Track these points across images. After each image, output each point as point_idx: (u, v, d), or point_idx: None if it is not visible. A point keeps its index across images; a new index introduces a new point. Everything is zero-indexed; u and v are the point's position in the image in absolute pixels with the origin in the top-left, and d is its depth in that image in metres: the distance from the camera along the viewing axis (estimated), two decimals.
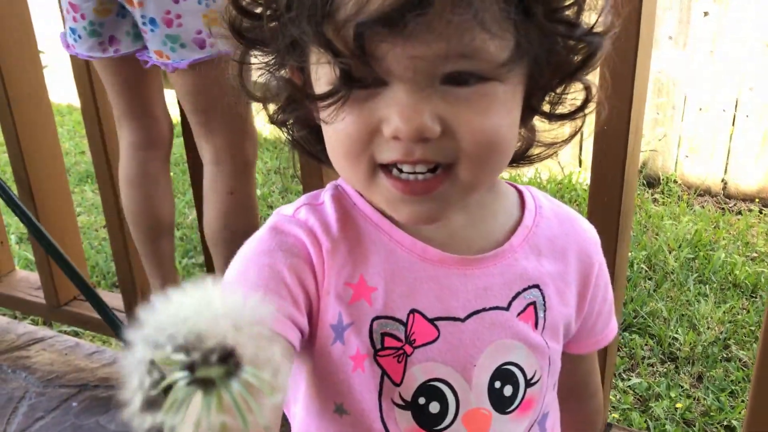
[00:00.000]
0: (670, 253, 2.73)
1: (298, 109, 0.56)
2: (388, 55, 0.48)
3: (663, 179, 3.35)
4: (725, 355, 2.18)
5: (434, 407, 0.58)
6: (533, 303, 0.62)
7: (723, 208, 3.23)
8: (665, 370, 2.14)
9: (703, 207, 3.21)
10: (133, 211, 1.72)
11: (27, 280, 2.13)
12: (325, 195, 0.62)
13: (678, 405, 1.96)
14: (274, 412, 0.36)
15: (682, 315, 2.36)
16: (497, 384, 0.60)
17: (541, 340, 0.62)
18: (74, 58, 1.66)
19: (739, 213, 3.16)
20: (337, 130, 0.52)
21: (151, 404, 0.30)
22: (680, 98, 3.23)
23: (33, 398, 1.87)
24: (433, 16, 0.45)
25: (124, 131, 1.67)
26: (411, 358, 0.58)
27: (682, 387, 2.06)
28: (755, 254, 2.78)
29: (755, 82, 3.04)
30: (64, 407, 1.83)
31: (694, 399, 2.02)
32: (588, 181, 3.00)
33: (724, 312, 2.36)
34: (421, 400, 0.58)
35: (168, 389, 0.28)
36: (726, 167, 3.26)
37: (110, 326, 1.78)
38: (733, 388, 2.05)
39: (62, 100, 4.46)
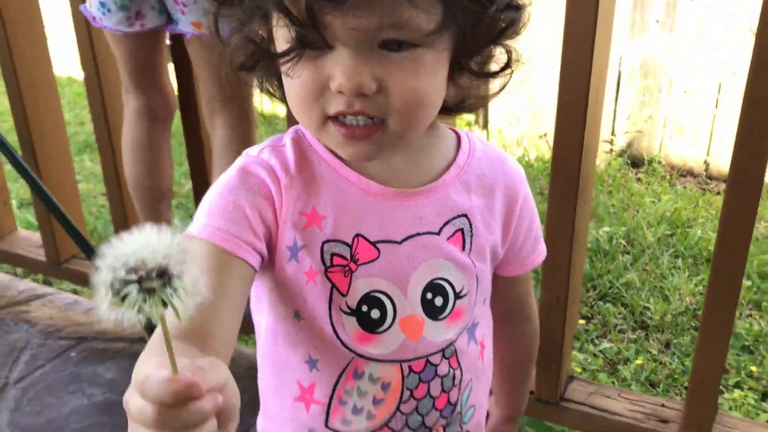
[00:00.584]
0: (648, 229, 2.83)
1: (261, 62, 0.66)
2: (332, 24, 0.57)
3: (647, 159, 3.45)
4: (693, 324, 2.29)
5: (375, 314, 0.69)
6: (461, 230, 0.71)
7: (704, 189, 3.33)
8: (636, 336, 2.25)
9: (685, 187, 3.30)
10: (138, 176, 1.81)
11: (28, 239, 2.24)
12: (287, 138, 0.72)
13: (638, 361, 2.07)
14: (198, 311, 0.45)
15: (656, 287, 2.47)
16: (429, 295, 0.70)
17: (468, 261, 0.71)
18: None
19: (719, 193, 3.26)
20: (294, 84, 0.62)
21: (113, 307, 0.42)
22: (666, 81, 3.31)
23: (34, 348, 1.98)
24: None
25: (133, 102, 1.76)
26: (355, 273, 0.68)
27: (650, 352, 2.17)
28: None
29: (738, 67, 3.12)
30: (63, 357, 1.94)
31: (660, 363, 2.13)
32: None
33: (695, 284, 2.47)
34: (364, 308, 0.68)
35: (124, 298, 0.40)
36: (708, 149, 3.36)
37: None
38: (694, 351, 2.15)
39: (62, 73, 4.55)
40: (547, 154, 3.61)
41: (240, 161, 0.71)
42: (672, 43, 3.25)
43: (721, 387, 2.02)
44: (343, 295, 0.68)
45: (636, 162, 3.50)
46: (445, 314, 0.71)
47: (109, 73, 1.80)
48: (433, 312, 0.70)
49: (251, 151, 0.71)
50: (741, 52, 3.09)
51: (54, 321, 2.10)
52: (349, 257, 0.68)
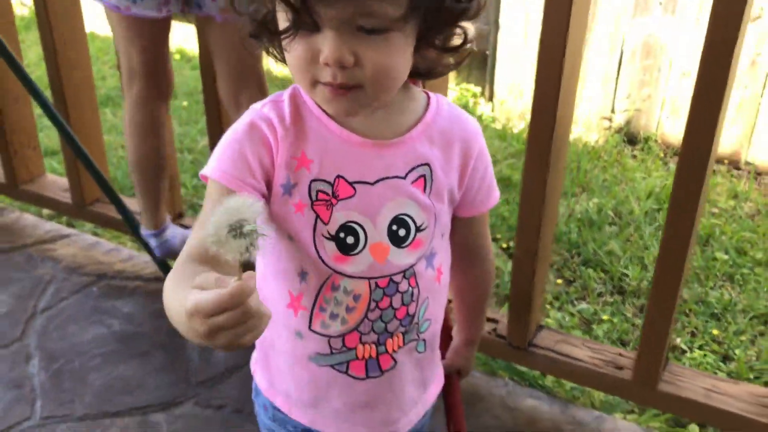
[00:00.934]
0: (636, 203, 2.98)
1: (266, 35, 0.82)
2: (320, 12, 0.73)
3: (643, 137, 3.58)
4: None
5: (350, 240, 0.85)
6: (423, 176, 0.87)
7: None
8: (613, 300, 2.41)
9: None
10: (145, 156, 1.88)
11: (55, 183, 2.42)
12: (285, 94, 0.87)
13: (611, 319, 2.24)
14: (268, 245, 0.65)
15: (636, 256, 2.63)
16: (394, 227, 0.86)
17: (428, 201, 0.87)
18: None
19: (713, 173, 3.39)
20: (291, 55, 0.78)
21: (222, 244, 0.61)
22: (666, 62, 3.43)
23: (59, 283, 2.17)
24: None
25: (140, 87, 1.81)
26: (335, 207, 0.84)
27: (624, 315, 2.34)
28: (715, 210, 3.03)
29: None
30: (85, 291, 2.14)
31: (633, 324, 2.30)
32: (573, 135, 3.24)
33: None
34: (341, 235, 0.85)
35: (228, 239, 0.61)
36: None
37: (128, 224, 2.07)
38: None
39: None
40: None
41: (248, 115, 0.87)
42: (673, 25, 3.36)
43: (684, 347, 2.20)
44: (325, 224, 0.85)
45: (633, 139, 3.63)
46: (407, 243, 0.87)
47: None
48: (397, 241, 0.87)
49: (256, 106, 0.87)
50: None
51: (77, 259, 2.29)
52: (330, 194, 0.84)
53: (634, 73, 3.54)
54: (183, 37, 5.04)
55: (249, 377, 1.82)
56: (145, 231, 2.03)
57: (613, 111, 3.66)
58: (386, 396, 0.96)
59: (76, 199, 2.26)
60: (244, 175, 0.83)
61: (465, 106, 3.89)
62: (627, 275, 2.50)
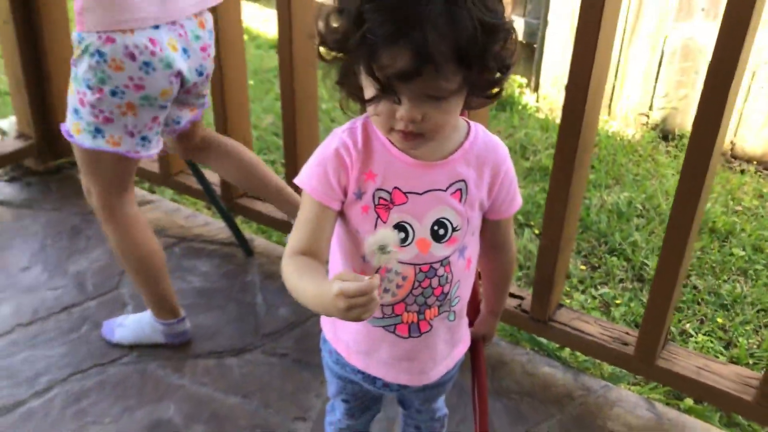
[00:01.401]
0: (664, 198, 3.21)
1: (352, 90, 1.08)
2: (400, 89, 0.99)
3: (678, 135, 3.78)
4: (684, 282, 2.69)
5: (402, 235, 1.12)
6: (460, 189, 1.14)
7: (728, 167, 3.66)
8: (632, 287, 2.67)
9: None
10: (151, 251, 1.96)
11: None
12: (359, 122, 1.14)
13: (629, 304, 2.50)
14: (316, 241, 1.07)
15: (658, 247, 2.86)
16: (436, 227, 1.13)
17: (462, 209, 1.14)
18: None
19: (741, 172, 3.59)
20: (377, 111, 1.04)
21: (376, 257, 0.96)
22: (704, 64, 3.62)
23: None
24: (423, 77, 0.95)
25: (126, 205, 1.87)
26: (392, 210, 1.12)
27: (641, 300, 2.59)
28: (739, 207, 3.24)
29: None
30: (170, 251, 2.47)
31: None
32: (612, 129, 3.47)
33: (695, 250, 2.86)
34: (397, 230, 1.13)
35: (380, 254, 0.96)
36: (736, 131, 3.67)
37: (207, 193, 2.40)
38: (681, 305, 2.57)
39: None
40: None
41: (332, 141, 1.13)
42: (713, 30, 3.53)
43: (692, 332, 2.45)
44: (384, 222, 1.13)
45: (668, 136, 3.83)
46: (445, 240, 1.15)
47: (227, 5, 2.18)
48: (437, 237, 1.14)
49: (338, 131, 1.15)
50: None
51: (161, 222, 2.63)
52: (389, 200, 1.12)
53: (673, 74, 3.74)
54: (249, 17, 5.34)
55: (307, 332, 2.16)
56: (161, 322, 2.04)
57: (650, 108, 3.86)
58: (423, 352, 1.25)
59: (164, 169, 2.59)
60: (328, 193, 1.12)
61: (511, 96, 4.13)
62: (647, 265, 2.75)
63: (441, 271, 1.17)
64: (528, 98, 4.18)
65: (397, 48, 0.93)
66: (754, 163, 3.63)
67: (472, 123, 1.19)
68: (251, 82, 4.20)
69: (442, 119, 1.04)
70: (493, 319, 1.44)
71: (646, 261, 2.76)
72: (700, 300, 2.62)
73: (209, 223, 2.64)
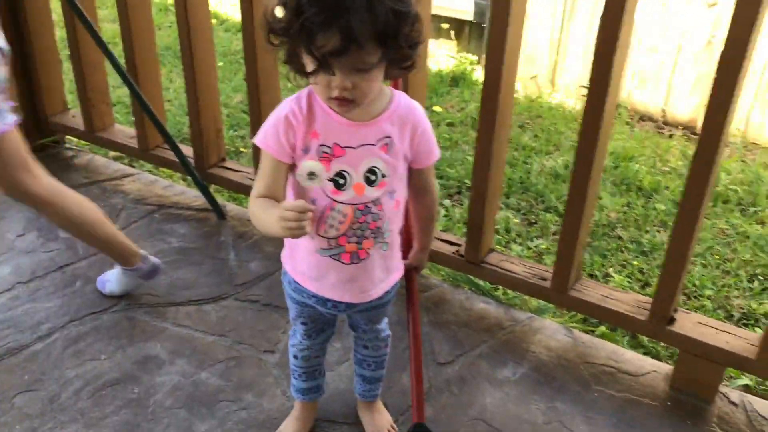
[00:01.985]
0: None
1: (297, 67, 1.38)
2: (333, 64, 1.27)
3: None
4: (608, 233, 3.04)
5: (341, 181, 1.41)
6: (387, 143, 1.43)
7: (659, 132, 4.01)
8: None
9: (641, 130, 3.99)
10: (82, 211, 2.13)
11: (123, 131, 3.03)
12: (304, 92, 1.43)
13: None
14: (274, 187, 1.40)
15: None
16: (368, 174, 1.43)
17: (389, 158, 1.44)
18: None
19: (670, 136, 3.95)
20: (317, 83, 1.32)
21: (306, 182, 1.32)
22: (635, 40, 3.96)
23: (129, 210, 2.80)
24: (350, 53, 1.24)
25: (37, 180, 1.98)
26: (332, 161, 1.41)
27: None
28: (666, 168, 3.60)
29: (695, 33, 3.76)
30: (149, 217, 2.77)
31: None
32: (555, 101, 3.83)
33: (621, 205, 3.21)
34: (336, 178, 1.42)
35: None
36: (666, 99, 4.02)
37: (183, 164, 2.69)
38: (606, 253, 2.92)
39: None
40: (534, 94, 4.30)
41: (283, 107, 1.41)
42: (642, 8, 3.87)
43: (613, 274, 2.80)
44: (327, 172, 1.44)
45: None
46: (376, 184, 1.44)
47: None
48: (369, 182, 1.44)
49: (287, 100, 1.44)
50: (695, 21, 3.72)
51: (141, 192, 2.91)
52: (330, 153, 1.43)
53: None
54: (217, 2, 5.58)
55: (274, 282, 2.48)
56: (130, 269, 2.29)
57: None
58: (363, 275, 1.55)
59: (142, 144, 2.87)
60: (280, 150, 1.42)
61: (463, 73, 4.44)
62: None
63: (374, 209, 1.48)
64: (478, 74, 4.50)
65: (330, 32, 1.22)
66: (681, 128, 3.99)
67: (395, 91, 1.50)
68: (221, 63, 4.46)
69: (368, 87, 1.34)
70: (423, 253, 1.76)
71: None
72: (623, 248, 2.97)
73: (185, 192, 2.93)
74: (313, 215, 1.40)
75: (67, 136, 3.20)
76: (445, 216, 3.11)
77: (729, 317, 2.61)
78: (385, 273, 1.60)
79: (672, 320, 2.03)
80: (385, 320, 1.80)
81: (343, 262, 1.52)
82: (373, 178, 1.45)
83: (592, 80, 1.87)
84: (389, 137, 1.45)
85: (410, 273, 1.78)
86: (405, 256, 1.74)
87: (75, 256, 2.53)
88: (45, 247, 2.57)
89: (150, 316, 2.28)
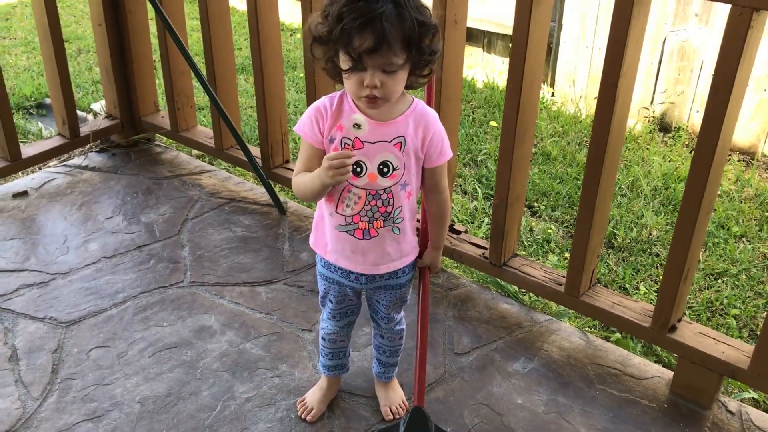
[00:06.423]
0: (648, 182, 3.66)
1: (334, 71, 1.65)
2: (367, 62, 1.52)
3: (675, 127, 4.20)
4: (644, 248, 3.17)
5: (358, 169, 1.66)
6: (400, 141, 1.66)
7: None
8: (601, 252, 3.16)
9: None
10: None
11: (204, 132, 3.40)
12: (338, 93, 1.69)
13: None
14: (312, 164, 1.68)
15: (630, 220, 3.34)
16: (381, 166, 1.66)
17: (401, 155, 1.66)
18: None
19: (728, 161, 3.99)
20: (349, 81, 1.59)
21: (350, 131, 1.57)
22: (698, 64, 4.03)
23: (203, 201, 3.16)
24: (381, 52, 1.50)
25: None
26: (352, 152, 1.68)
27: (608, 264, 3.08)
28: (719, 192, 3.66)
29: (759, 58, 3.81)
30: (221, 208, 3.11)
31: (611, 270, 3.04)
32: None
33: (664, 224, 3.32)
34: (354, 166, 1.67)
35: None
36: None
37: (251, 164, 3.02)
38: (640, 267, 3.05)
39: None
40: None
41: (318, 103, 1.70)
42: (707, 33, 3.95)
43: (644, 289, 2.92)
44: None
45: (667, 128, 4.26)
46: (388, 175, 1.68)
47: (265, 6, 2.75)
48: (382, 173, 1.67)
49: (324, 97, 1.72)
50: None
51: (215, 187, 3.27)
52: (351, 145, 1.67)
53: (671, 72, 4.16)
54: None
55: None
56: None
57: (652, 103, 4.29)
58: (373, 250, 1.77)
59: (217, 144, 3.22)
60: (313, 137, 1.69)
61: None
62: (617, 234, 3.23)
63: (384, 196, 1.72)
64: (544, 91, 4.66)
65: (365, 33, 1.48)
66: (739, 153, 4.02)
67: (416, 99, 1.74)
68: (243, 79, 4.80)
69: (393, 86, 1.57)
70: (436, 252, 1.96)
71: (615, 231, 3.24)
72: (658, 265, 3.08)
73: (253, 189, 3.27)
74: (336, 188, 1.70)
75: (157, 134, 3.61)
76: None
77: (754, 336, 2.69)
78: (397, 253, 1.81)
79: (673, 328, 2.17)
80: (402, 314, 2.03)
81: (357, 237, 1.75)
82: (385, 170, 1.69)
83: (597, 102, 2.06)
84: (403, 137, 1.69)
85: (423, 270, 1.99)
86: (421, 255, 1.96)
87: (152, 238, 2.90)
88: (128, 229, 2.96)
89: (209, 293, 2.61)
